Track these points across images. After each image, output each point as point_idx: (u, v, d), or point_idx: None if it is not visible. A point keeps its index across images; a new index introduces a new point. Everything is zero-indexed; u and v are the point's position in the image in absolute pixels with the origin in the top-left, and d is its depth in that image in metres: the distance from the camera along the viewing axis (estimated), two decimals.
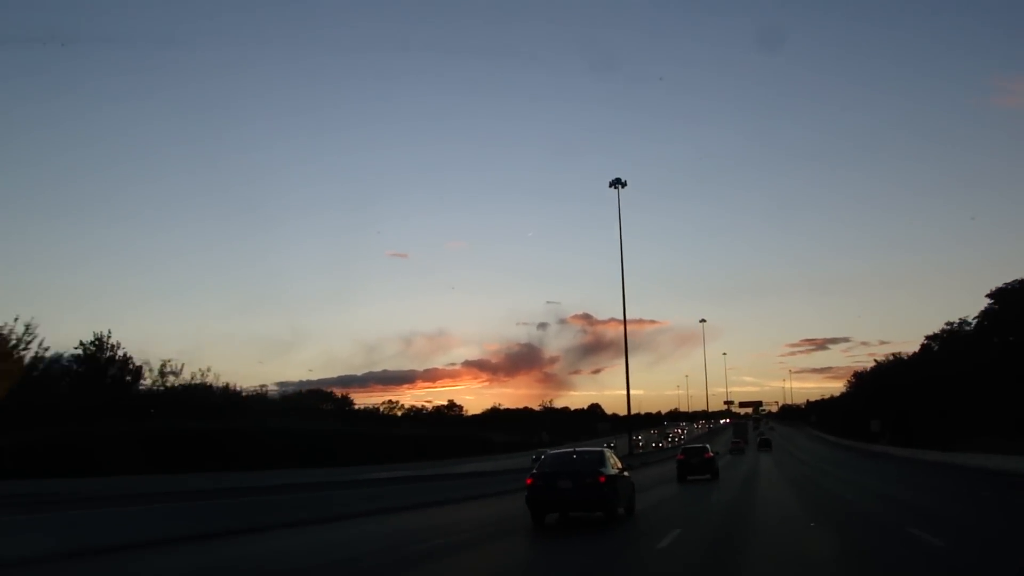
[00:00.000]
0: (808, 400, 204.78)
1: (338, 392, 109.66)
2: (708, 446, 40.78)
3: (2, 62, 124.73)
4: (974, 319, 60.65)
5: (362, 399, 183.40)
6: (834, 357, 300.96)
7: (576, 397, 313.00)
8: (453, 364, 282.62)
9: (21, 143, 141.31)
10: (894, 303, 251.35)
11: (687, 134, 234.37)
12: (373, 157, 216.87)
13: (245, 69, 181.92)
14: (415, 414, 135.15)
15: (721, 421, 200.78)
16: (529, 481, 16.60)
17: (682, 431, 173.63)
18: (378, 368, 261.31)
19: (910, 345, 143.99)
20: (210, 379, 71.23)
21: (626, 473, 18.44)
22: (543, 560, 12.91)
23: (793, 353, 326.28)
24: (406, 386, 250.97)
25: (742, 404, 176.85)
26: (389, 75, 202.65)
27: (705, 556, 11.92)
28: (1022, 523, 17.05)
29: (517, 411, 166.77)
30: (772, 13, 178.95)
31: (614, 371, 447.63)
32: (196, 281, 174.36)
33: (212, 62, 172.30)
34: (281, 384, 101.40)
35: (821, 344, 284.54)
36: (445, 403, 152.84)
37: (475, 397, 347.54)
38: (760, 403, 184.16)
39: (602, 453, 17.54)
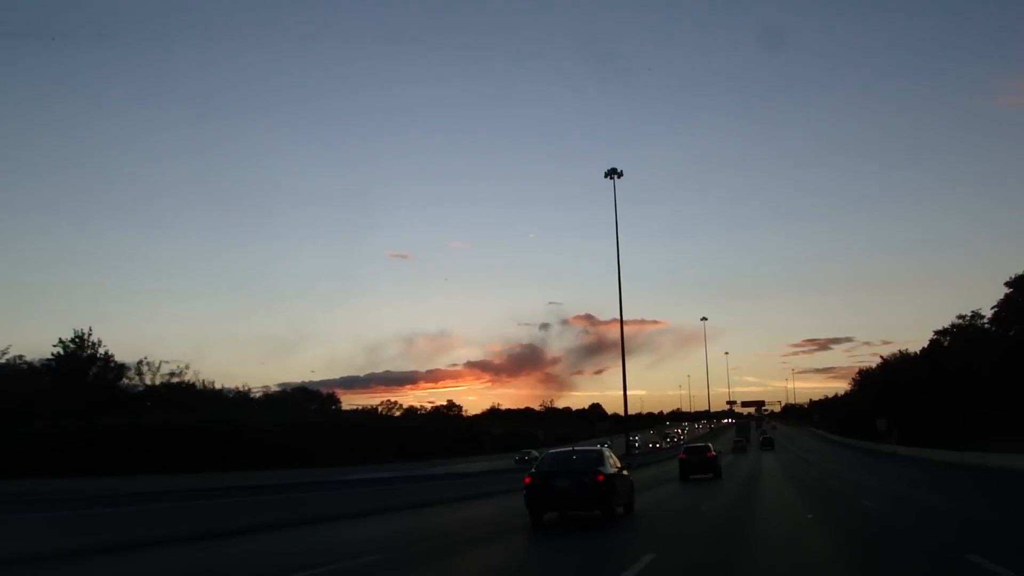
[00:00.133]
0: (811, 400, 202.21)
1: (340, 393, 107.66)
2: (711, 445, 40.08)
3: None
4: (992, 308, 56.52)
5: (364, 400, 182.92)
6: (836, 357, 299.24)
7: (578, 397, 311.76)
8: (455, 365, 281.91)
9: (21, 143, 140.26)
10: (897, 303, 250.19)
11: (689, 134, 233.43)
12: (374, 158, 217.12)
13: (247, 70, 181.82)
14: (413, 414, 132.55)
15: (723, 421, 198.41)
16: (528, 480, 16.46)
17: (682, 431, 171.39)
18: (380, 369, 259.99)
19: (914, 345, 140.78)
20: (188, 376, 68.93)
21: (625, 472, 18.30)
22: None
23: (796, 353, 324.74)
24: (408, 387, 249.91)
25: (744, 404, 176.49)
26: (390, 76, 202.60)
27: None
28: None
29: (517, 411, 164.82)
30: (773, 13, 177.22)
31: (616, 371, 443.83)
32: (199, 283, 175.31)
33: (213, 62, 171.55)
34: (283, 385, 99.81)
35: (823, 344, 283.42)
36: (444, 403, 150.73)
37: (477, 398, 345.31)
38: (763, 403, 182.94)
39: (601, 452, 17.46)
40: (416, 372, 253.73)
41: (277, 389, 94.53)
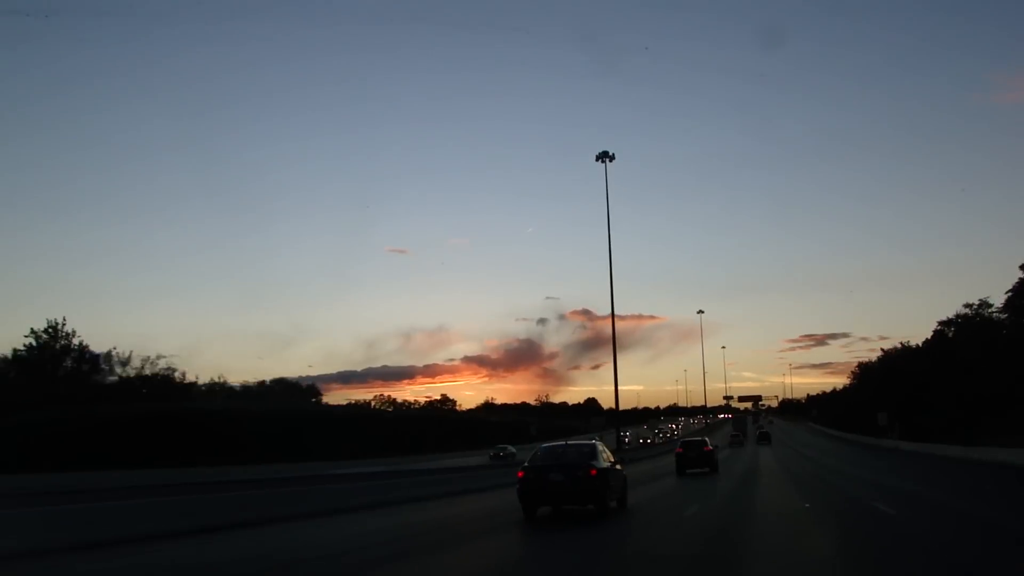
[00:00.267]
0: (808, 395, 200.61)
1: (337, 388, 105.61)
2: (707, 439, 39.88)
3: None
4: (1007, 293, 53.50)
5: (361, 394, 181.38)
6: (834, 353, 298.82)
7: (575, 392, 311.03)
8: (452, 360, 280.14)
9: (21, 143, 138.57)
10: (894, 299, 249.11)
11: (687, 131, 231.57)
12: (373, 153, 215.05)
13: (244, 66, 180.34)
14: (406, 408, 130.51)
15: (720, 416, 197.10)
16: (520, 474, 16.34)
17: (677, 426, 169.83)
18: (378, 364, 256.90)
19: (911, 340, 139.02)
20: (160, 367, 67.09)
21: (618, 466, 18.23)
22: None
23: (793, 348, 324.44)
24: (406, 381, 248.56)
25: (741, 399, 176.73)
26: (389, 72, 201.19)
27: None
28: None
29: (513, 405, 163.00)
30: (772, 11, 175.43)
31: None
32: (196, 278, 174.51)
33: (210, 57, 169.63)
34: (280, 380, 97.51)
35: (820, 340, 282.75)
36: (438, 397, 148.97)
37: (475, 392, 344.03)
38: (759, 398, 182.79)
39: (594, 446, 17.32)
40: (413, 367, 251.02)
41: (254, 382, 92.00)
